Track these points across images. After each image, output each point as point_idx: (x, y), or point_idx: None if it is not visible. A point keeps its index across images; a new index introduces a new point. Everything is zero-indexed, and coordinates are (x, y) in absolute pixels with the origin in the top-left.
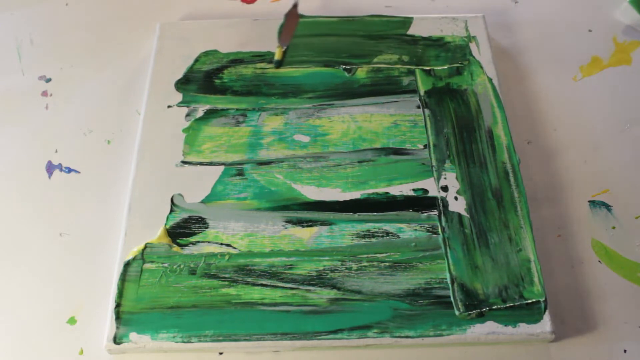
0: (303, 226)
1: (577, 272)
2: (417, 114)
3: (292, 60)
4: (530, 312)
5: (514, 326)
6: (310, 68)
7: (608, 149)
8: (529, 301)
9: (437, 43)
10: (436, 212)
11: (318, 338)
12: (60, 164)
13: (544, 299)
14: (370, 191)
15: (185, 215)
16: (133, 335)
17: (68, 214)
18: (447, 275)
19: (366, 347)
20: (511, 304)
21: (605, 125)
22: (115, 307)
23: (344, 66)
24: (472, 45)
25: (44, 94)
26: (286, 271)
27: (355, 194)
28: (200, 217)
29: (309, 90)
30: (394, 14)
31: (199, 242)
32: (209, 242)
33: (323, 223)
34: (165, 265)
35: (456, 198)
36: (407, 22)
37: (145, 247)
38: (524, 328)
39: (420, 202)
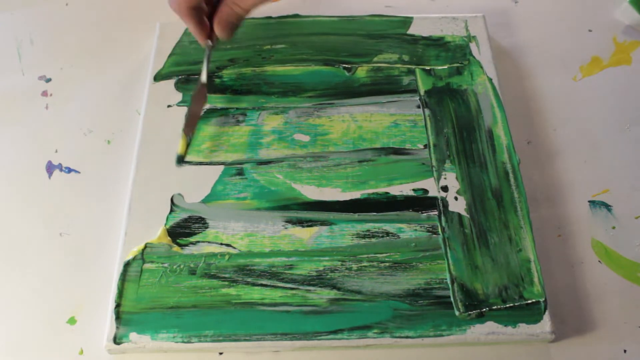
0: (303, 226)
1: (577, 272)
2: (417, 113)
3: (293, 59)
4: (530, 312)
5: (513, 326)
6: (310, 67)
7: (608, 149)
8: (529, 301)
9: (437, 43)
10: (436, 212)
11: (318, 338)
12: (60, 164)
13: (543, 299)
14: (370, 191)
15: (185, 215)
16: (133, 335)
17: (68, 214)
18: (447, 276)
19: (366, 347)
20: (511, 304)
21: (605, 125)
22: (115, 307)
23: (344, 65)
24: (472, 45)
25: (44, 94)
26: (286, 271)
27: (355, 194)
28: (200, 217)
29: (309, 89)
30: (394, 13)
31: (199, 242)
32: (209, 242)
33: (323, 223)
34: (165, 265)
35: (456, 198)
36: (407, 21)
37: (145, 247)
38: (523, 328)
39: (420, 202)
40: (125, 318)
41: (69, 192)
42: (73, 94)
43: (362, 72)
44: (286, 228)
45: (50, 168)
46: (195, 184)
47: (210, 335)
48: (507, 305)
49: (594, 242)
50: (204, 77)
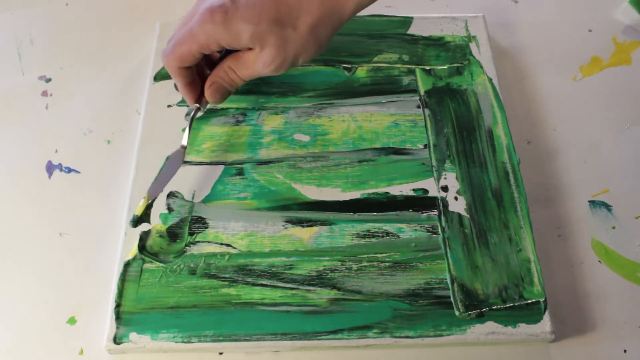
0: (303, 226)
1: (577, 272)
2: (417, 113)
3: None
4: (530, 312)
5: (513, 326)
6: (310, 67)
7: (608, 149)
8: (529, 301)
9: (437, 43)
10: (436, 212)
11: (318, 338)
12: (60, 164)
13: (543, 299)
14: (370, 191)
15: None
16: (133, 336)
17: (68, 214)
18: (447, 276)
19: (366, 347)
20: (511, 304)
21: (605, 125)
22: (115, 307)
23: (344, 65)
24: (472, 45)
25: (44, 94)
26: (286, 271)
27: (355, 194)
28: (200, 217)
29: (309, 89)
30: (394, 13)
31: (199, 242)
32: (209, 242)
33: (323, 223)
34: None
35: (456, 198)
36: (407, 21)
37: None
38: (523, 328)
39: (420, 202)
40: (125, 318)
41: (69, 192)
42: (73, 94)
43: (362, 72)
44: (286, 228)
45: (50, 168)
46: (196, 184)
47: (210, 335)
48: (507, 305)
49: (594, 242)
50: (184, 141)
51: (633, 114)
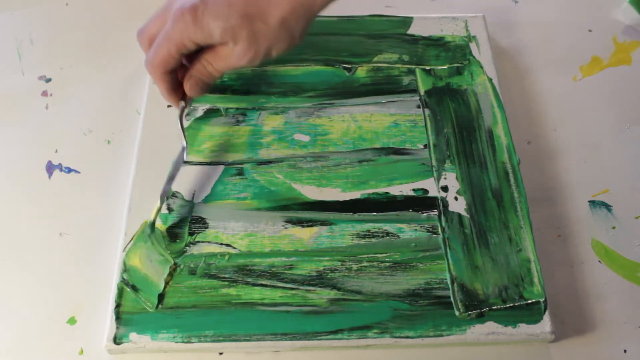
0: (303, 226)
1: (577, 272)
2: (417, 113)
3: (293, 58)
4: (530, 312)
5: (513, 326)
6: (310, 67)
7: (608, 149)
8: (529, 301)
9: (437, 43)
10: (436, 212)
11: (318, 338)
12: (60, 164)
13: (543, 299)
14: (370, 191)
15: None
16: (133, 336)
17: (68, 214)
18: (447, 276)
19: (366, 347)
20: (511, 304)
21: (605, 125)
22: (115, 307)
23: (344, 65)
24: (472, 45)
25: (44, 94)
26: (286, 271)
27: (355, 194)
28: (200, 217)
29: (309, 89)
30: (394, 13)
31: (199, 242)
32: (209, 242)
33: (323, 223)
34: None
35: (456, 198)
36: (407, 21)
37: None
38: (523, 328)
39: (421, 202)
40: (125, 318)
41: (69, 192)
42: (73, 94)
43: (362, 72)
44: (286, 228)
45: (50, 168)
46: (196, 184)
47: (210, 336)
48: (507, 305)
49: (594, 242)
50: (184, 142)
51: (633, 114)
